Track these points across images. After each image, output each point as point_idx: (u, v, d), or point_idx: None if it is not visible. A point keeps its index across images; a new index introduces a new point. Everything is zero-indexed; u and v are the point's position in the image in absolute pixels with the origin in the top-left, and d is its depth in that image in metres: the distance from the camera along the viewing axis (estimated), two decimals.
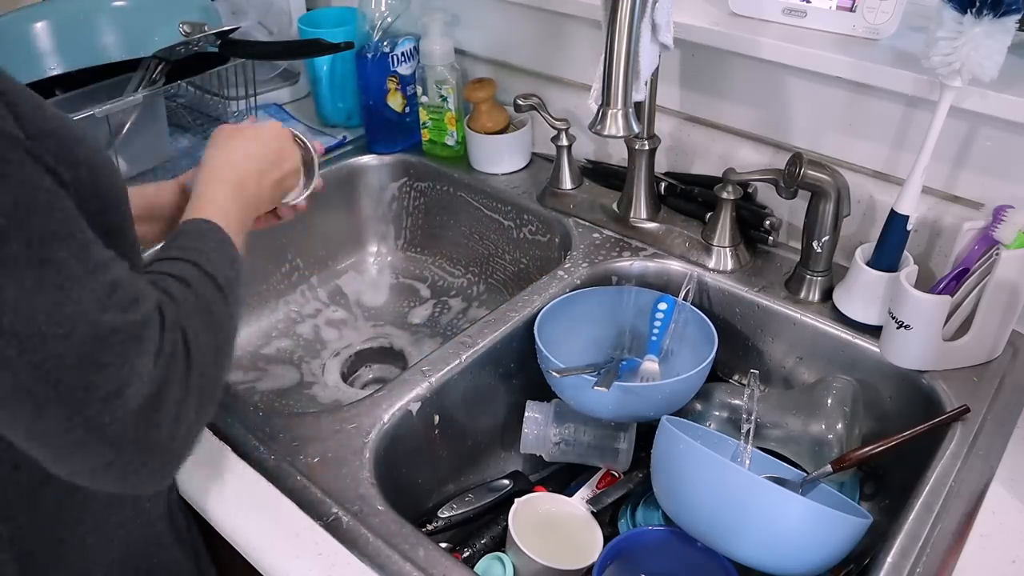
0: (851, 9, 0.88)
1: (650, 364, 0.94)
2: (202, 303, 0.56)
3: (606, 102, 0.71)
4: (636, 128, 0.73)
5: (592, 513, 0.84)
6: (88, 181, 0.52)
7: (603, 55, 0.70)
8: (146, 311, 0.49)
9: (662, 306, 0.94)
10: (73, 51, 1.04)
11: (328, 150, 1.26)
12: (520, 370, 0.92)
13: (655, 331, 0.95)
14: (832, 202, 0.86)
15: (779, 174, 0.88)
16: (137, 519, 0.68)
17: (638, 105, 0.95)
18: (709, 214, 0.98)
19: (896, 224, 0.83)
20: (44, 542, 0.62)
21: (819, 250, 0.89)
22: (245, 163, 0.72)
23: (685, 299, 0.92)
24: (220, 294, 0.58)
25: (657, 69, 0.92)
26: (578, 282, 0.97)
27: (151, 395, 0.48)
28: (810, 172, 0.85)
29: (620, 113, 0.71)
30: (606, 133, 0.72)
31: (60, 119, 0.52)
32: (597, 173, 1.12)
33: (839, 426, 0.82)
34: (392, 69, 1.17)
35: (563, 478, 0.92)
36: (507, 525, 0.78)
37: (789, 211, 0.98)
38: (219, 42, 1.11)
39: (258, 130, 0.77)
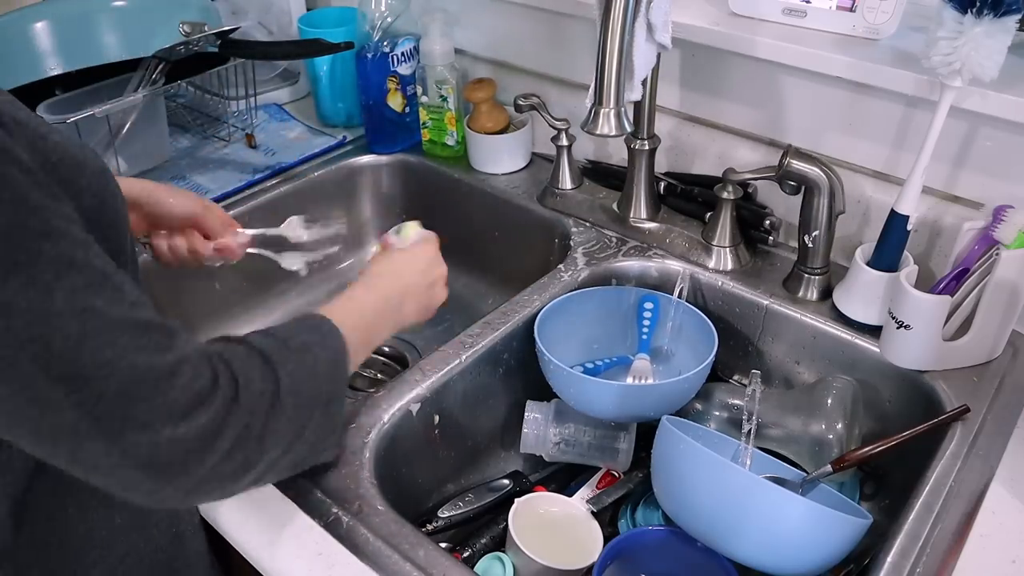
0: (851, 9, 0.88)
1: (641, 362, 0.94)
2: (260, 353, 0.57)
3: (599, 101, 0.71)
4: (628, 127, 0.73)
5: (592, 513, 0.84)
6: (93, 208, 0.53)
7: (596, 54, 0.70)
8: (180, 351, 0.51)
9: (648, 304, 0.94)
10: (73, 51, 1.04)
11: (328, 150, 1.26)
12: (520, 370, 0.92)
13: (644, 329, 0.95)
14: (824, 197, 0.86)
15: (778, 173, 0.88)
16: (145, 547, 0.68)
17: (637, 105, 0.95)
18: (709, 214, 0.98)
19: (896, 224, 0.83)
20: (49, 574, 0.62)
21: (811, 245, 0.89)
22: (400, 280, 0.76)
23: (679, 297, 0.92)
24: (269, 368, 0.57)
25: (657, 69, 0.92)
26: (578, 282, 0.97)
27: (186, 426, 0.50)
28: (794, 162, 0.85)
29: (612, 112, 0.72)
30: (598, 132, 0.72)
31: (63, 148, 0.53)
32: (597, 173, 1.12)
33: (839, 426, 0.82)
34: (392, 69, 1.17)
35: (563, 478, 0.92)
36: (507, 525, 0.78)
37: (789, 211, 0.98)
38: (219, 42, 1.10)
39: (410, 254, 0.80)
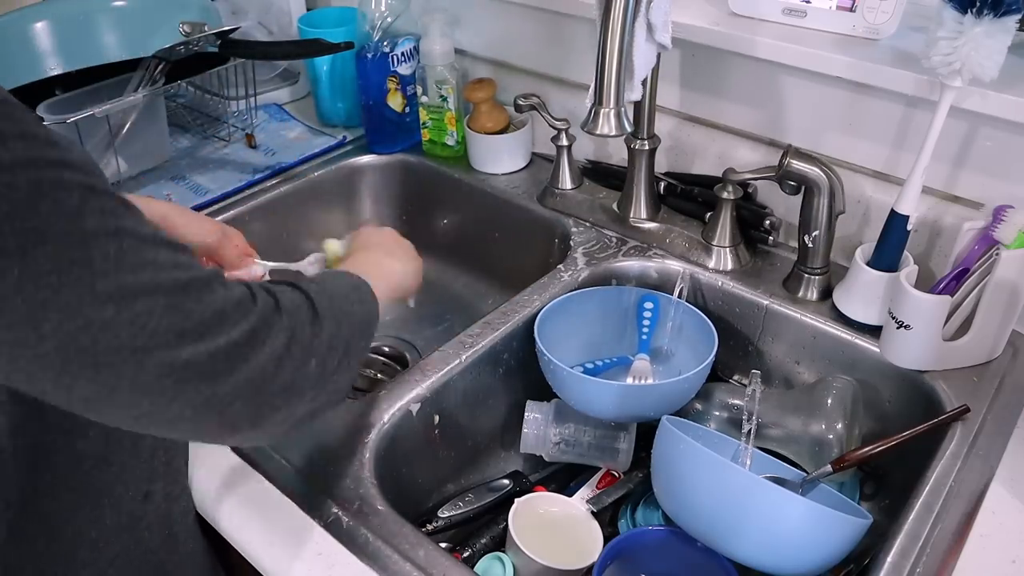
0: (851, 9, 0.88)
1: (641, 362, 0.94)
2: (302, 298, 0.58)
3: (598, 101, 0.72)
4: (628, 127, 0.73)
5: (592, 513, 0.84)
6: None
7: (596, 54, 0.70)
8: (211, 268, 0.52)
9: (648, 304, 0.94)
10: (73, 51, 1.04)
11: (328, 150, 1.26)
12: (520, 370, 0.92)
13: (644, 329, 0.95)
14: (824, 196, 0.86)
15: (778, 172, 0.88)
16: (136, 548, 0.68)
17: (637, 105, 0.95)
18: (709, 214, 0.98)
19: (896, 224, 0.83)
20: None
21: (810, 245, 0.89)
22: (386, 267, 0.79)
23: (679, 297, 0.92)
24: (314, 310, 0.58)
25: (657, 69, 0.92)
26: (578, 282, 0.97)
27: (235, 329, 0.50)
28: (794, 162, 0.85)
29: (612, 112, 0.72)
30: (598, 132, 0.72)
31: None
32: (597, 173, 1.12)
33: (839, 426, 0.82)
34: (392, 69, 1.17)
35: (563, 478, 0.92)
36: (507, 525, 0.78)
37: (789, 211, 0.98)
38: (219, 42, 1.10)
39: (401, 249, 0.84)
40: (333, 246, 0.85)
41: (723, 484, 0.70)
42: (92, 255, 0.44)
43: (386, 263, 0.80)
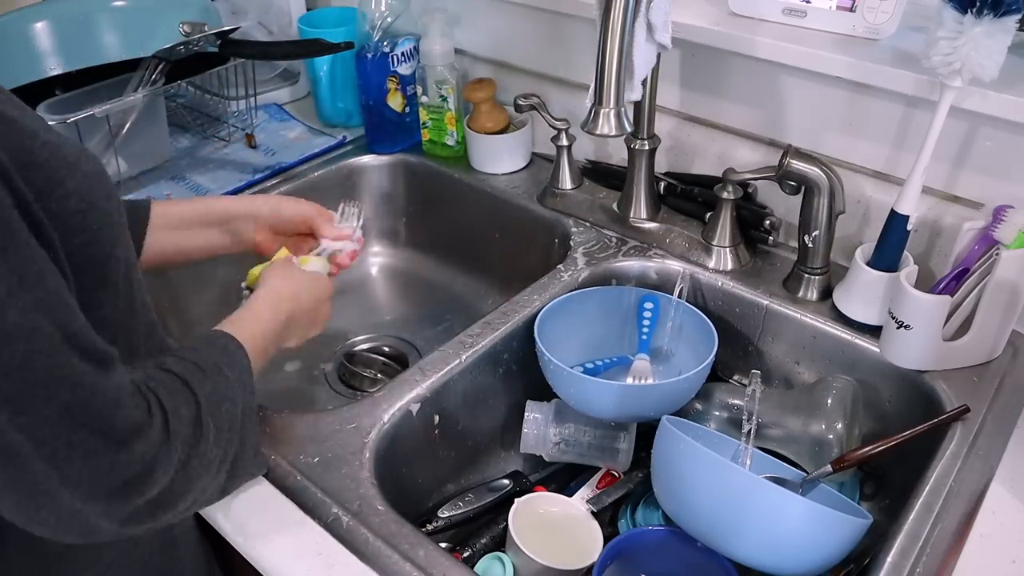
0: (851, 9, 0.88)
1: (641, 362, 0.94)
2: (181, 380, 0.58)
3: (598, 101, 0.72)
4: (628, 127, 0.73)
5: (592, 513, 0.84)
6: (81, 210, 0.54)
7: (596, 54, 0.70)
8: (119, 378, 0.52)
9: (648, 305, 0.94)
10: (73, 51, 1.04)
11: (328, 150, 1.26)
12: (520, 370, 0.92)
13: (644, 329, 0.95)
14: (824, 196, 0.86)
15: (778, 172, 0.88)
16: (134, 553, 0.68)
17: (637, 105, 0.95)
18: (709, 214, 0.98)
19: (896, 224, 0.83)
20: None
21: (810, 245, 0.89)
22: (293, 301, 0.76)
23: (680, 297, 0.92)
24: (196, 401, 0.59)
25: (657, 69, 0.92)
26: (578, 282, 0.97)
27: (127, 454, 0.50)
28: (794, 162, 0.85)
29: (612, 112, 0.72)
30: (598, 132, 0.72)
31: (53, 147, 0.53)
32: (597, 173, 1.12)
33: (839, 426, 0.82)
34: (392, 69, 1.17)
35: (563, 478, 0.92)
36: (507, 525, 0.78)
37: (789, 211, 0.98)
38: (219, 42, 1.10)
39: (311, 279, 0.81)
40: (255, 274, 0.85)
41: (723, 484, 0.70)
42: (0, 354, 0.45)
43: (298, 302, 0.78)
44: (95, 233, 0.55)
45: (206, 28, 1.09)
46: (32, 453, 0.47)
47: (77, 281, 0.55)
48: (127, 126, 1.13)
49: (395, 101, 1.20)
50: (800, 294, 0.92)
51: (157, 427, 0.52)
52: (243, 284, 0.83)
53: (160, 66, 1.09)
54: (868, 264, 0.85)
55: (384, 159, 1.24)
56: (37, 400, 0.46)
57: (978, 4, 0.70)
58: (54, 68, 1.03)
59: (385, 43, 1.15)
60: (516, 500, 0.81)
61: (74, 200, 0.53)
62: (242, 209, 0.85)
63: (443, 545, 0.81)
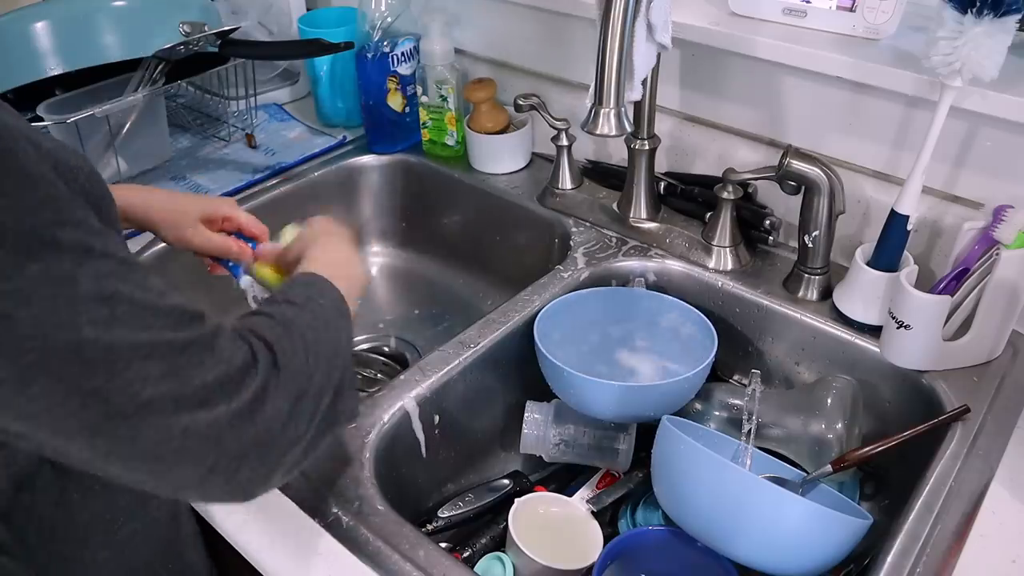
0: (851, 9, 0.88)
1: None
2: (284, 321, 0.57)
3: (599, 101, 0.72)
4: (629, 127, 0.73)
5: (592, 513, 0.84)
6: (91, 209, 0.53)
7: (596, 54, 0.70)
8: (213, 327, 0.50)
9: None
10: (73, 51, 1.04)
11: (328, 150, 1.26)
12: (520, 370, 0.92)
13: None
14: (824, 196, 0.86)
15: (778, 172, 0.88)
16: (146, 530, 0.68)
17: (637, 105, 0.95)
18: (709, 214, 0.98)
19: (896, 224, 0.83)
20: (56, 560, 0.62)
21: (810, 245, 0.89)
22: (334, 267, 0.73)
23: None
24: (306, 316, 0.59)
25: (657, 69, 0.92)
26: (578, 282, 0.97)
27: (238, 397, 0.49)
28: (794, 162, 0.85)
29: (612, 112, 0.72)
30: (598, 132, 0.72)
31: (54, 154, 0.52)
32: (597, 173, 1.12)
33: (839, 426, 0.82)
34: (392, 69, 1.17)
35: (563, 478, 0.92)
36: (507, 525, 0.78)
37: (789, 211, 0.98)
38: (219, 42, 1.10)
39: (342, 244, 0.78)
40: (289, 234, 0.83)
41: (723, 484, 0.70)
42: (79, 320, 0.43)
43: (352, 259, 0.76)
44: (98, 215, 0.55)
45: (206, 28, 1.09)
46: (140, 412, 0.45)
47: None
48: (127, 126, 1.13)
49: (395, 101, 1.20)
50: (800, 294, 0.92)
51: (264, 362, 0.51)
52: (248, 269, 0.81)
53: (160, 66, 1.09)
54: (868, 264, 0.85)
55: (384, 159, 1.24)
56: (132, 360, 0.44)
57: (978, 4, 0.70)
58: (54, 68, 1.03)
59: (385, 43, 1.15)
60: (516, 500, 0.81)
61: (80, 200, 0.53)
62: (136, 206, 0.79)
63: (443, 545, 0.81)
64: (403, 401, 0.80)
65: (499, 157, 1.17)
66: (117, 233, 0.58)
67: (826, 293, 0.91)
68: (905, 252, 0.84)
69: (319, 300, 0.62)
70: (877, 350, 0.85)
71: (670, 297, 0.94)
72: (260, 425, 0.50)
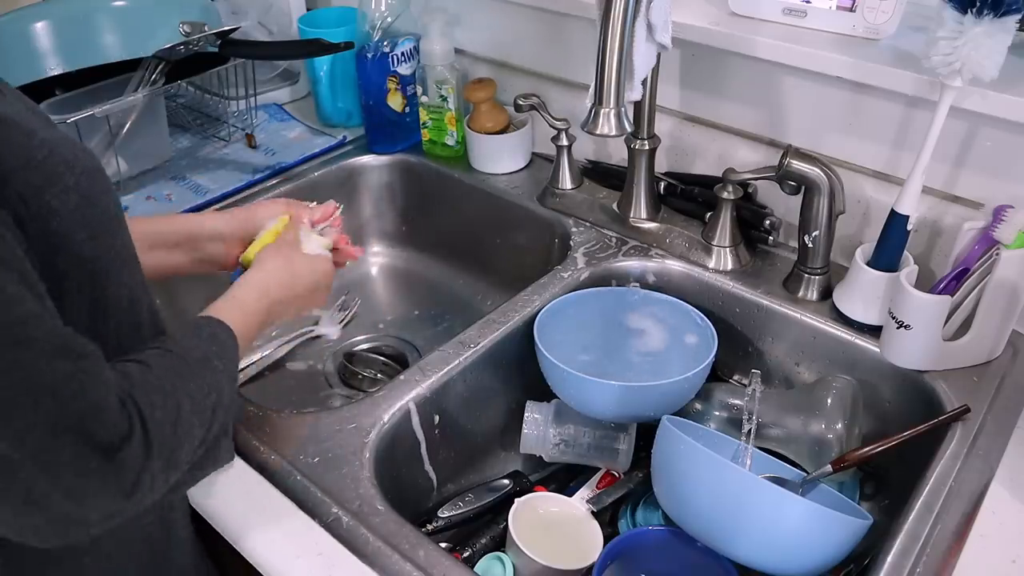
0: (851, 9, 0.88)
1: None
2: (160, 379, 0.57)
3: (599, 101, 0.72)
4: (628, 127, 0.73)
5: (592, 513, 0.84)
6: (81, 205, 0.54)
7: (596, 54, 0.70)
8: (100, 378, 0.51)
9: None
10: (73, 51, 1.04)
11: (328, 150, 1.26)
12: (520, 370, 0.92)
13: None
14: (824, 196, 0.86)
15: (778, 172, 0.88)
16: (136, 533, 0.68)
17: (637, 105, 0.95)
18: (709, 214, 0.98)
19: (896, 224, 0.83)
20: (36, 564, 0.62)
21: (810, 245, 0.89)
22: (286, 288, 0.75)
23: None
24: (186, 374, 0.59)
25: (657, 69, 0.92)
26: (578, 282, 0.96)
27: (111, 461, 0.50)
28: (794, 162, 0.85)
29: (612, 112, 0.72)
30: (598, 132, 0.72)
31: (51, 145, 0.53)
32: (597, 173, 1.12)
33: (839, 426, 0.82)
34: (392, 69, 1.17)
35: (563, 478, 0.92)
36: (507, 525, 0.78)
37: (789, 211, 0.98)
38: (219, 42, 1.10)
39: (310, 264, 0.79)
40: (313, 243, 0.83)
41: (723, 484, 0.70)
42: None
43: (303, 280, 0.77)
44: (96, 228, 0.56)
45: (206, 28, 1.09)
46: (21, 462, 0.47)
47: (79, 274, 0.55)
48: (127, 126, 1.13)
49: (395, 101, 1.20)
50: (800, 294, 0.92)
51: (138, 436, 0.52)
52: (239, 259, 0.81)
53: (160, 66, 1.09)
54: (868, 264, 0.85)
55: (384, 159, 1.24)
56: (21, 408, 0.46)
57: (978, 4, 0.70)
58: (54, 68, 1.03)
59: (385, 43, 1.15)
60: (516, 500, 0.81)
61: (74, 196, 0.53)
62: (205, 229, 0.82)
63: (443, 545, 0.81)
64: (403, 401, 0.80)
65: (499, 157, 1.17)
66: (113, 231, 0.59)
67: (826, 293, 0.91)
68: (905, 252, 0.84)
69: (215, 362, 0.62)
70: (877, 350, 0.85)
71: (670, 297, 0.94)
72: (131, 490, 0.52)
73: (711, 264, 0.97)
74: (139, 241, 0.79)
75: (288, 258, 0.77)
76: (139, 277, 0.63)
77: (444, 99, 1.16)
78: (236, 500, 0.71)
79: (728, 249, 0.96)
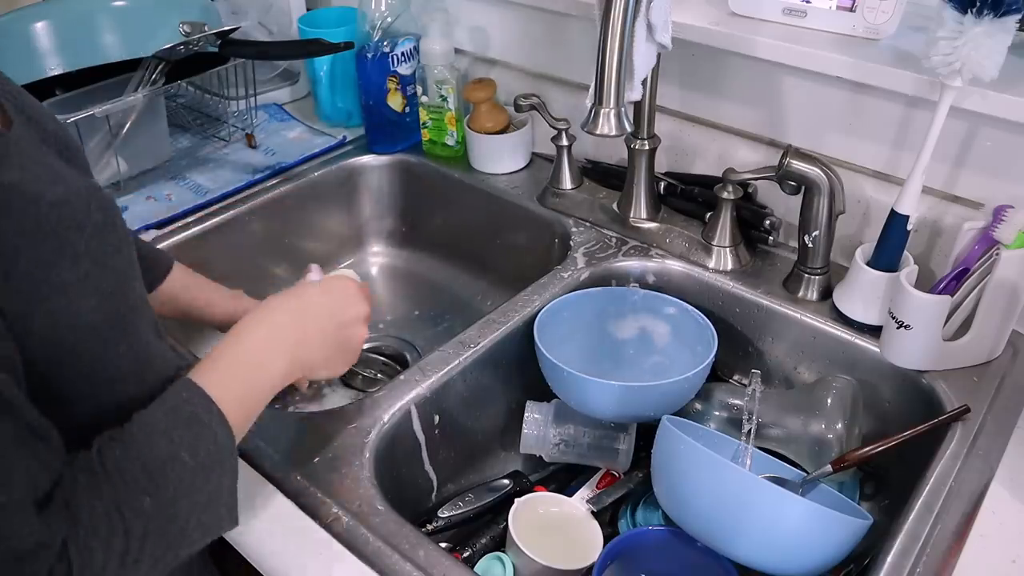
0: (851, 9, 0.88)
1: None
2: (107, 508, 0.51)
3: (599, 101, 0.72)
4: (629, 127, 0.73)
5: (592, 513, 0.84)
6: (89, 274, 0.53)
7: (596, 54, 0.70)
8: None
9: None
10: (73, 51, 1.04)
11: (328, 150, 1.26)
12: (520, 370, 0.92)
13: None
14: (824, 196, 0.86)
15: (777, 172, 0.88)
16: None
17: (637, 105, 0.95)
18: (709, 214, 0.98)
19: (896, 224, 0.83)
20: None
21: (810, 245, 0.89)
22: (305, 334, 0.68)
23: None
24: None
25: (657, 69, 0.92)
26: (578, 282, 0.96)
27: None
28: (794, 162, 0.85)
29: (612, 112, 0.72)
30: (598, 132, 0.72)
31: (61, 205, 0.52)
32: (597, 173, 1.12)
33: (839, 426, 0.82)
34: (392, 69, 1.17)
35: (563, 478, 0.92)
36: (507, 525, 0.78)
37: (789, 211, 0.98)
38: (219, 42, 1.11)
39: (327, 283, 0.73)
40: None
41: (723, 484, 0.70)
42: None
43: (313, 338, 0.69)
44: (109, 290, 0.55)
45: (206, 28, 1.09)
46: None
47: (88, 336, 0.54)
48: (127, 126, 1.13)
49: (395, 101, 1.20)
50: (800, 294, 0.92)
51: (54, 553, 0.48)
52: None
53: (160, 66, 1.09)
54: (868, 264, 0.85)
55: (384, 159, 1.24)
56: None
57: (978, 4, 0.70)
58: (54, 68, 1.03)
59: (385, 43, 1.15)
60: (516, 500, 0.81)
61: (86, 262, 0.53)
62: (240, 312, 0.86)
63: (443, 545, 0.81)
64: (403, 401, 0.80)
65: (499, 157, 1.17)
66: (130, 284, 0.59)
67: (826, 293, 0.91)
68: (905, 252, 0.84)
69: (184, 458, 0.54)
70: (877, 350, 0.85)
71: (670, 297, 0.94)
72: None
73: (711, 264, 0.97)
74: (178, 315, 0.84)
75: (293, 293, 0.70)
76: (152, 324, 0.63)
77: (444, 99, 1.16)
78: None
79: (728, 249, 0.96)
